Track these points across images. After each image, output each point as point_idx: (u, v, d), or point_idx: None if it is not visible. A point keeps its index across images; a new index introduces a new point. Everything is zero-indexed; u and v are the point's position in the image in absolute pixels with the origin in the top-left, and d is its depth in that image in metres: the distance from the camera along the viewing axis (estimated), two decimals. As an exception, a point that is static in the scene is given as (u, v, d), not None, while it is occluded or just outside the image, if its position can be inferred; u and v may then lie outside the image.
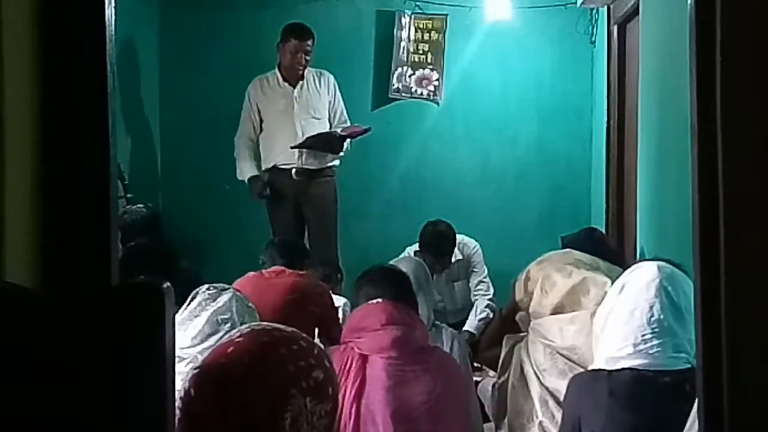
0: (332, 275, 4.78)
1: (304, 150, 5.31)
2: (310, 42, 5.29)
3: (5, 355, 1.15)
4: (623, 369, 2.34)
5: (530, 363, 2.94)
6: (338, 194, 5.53)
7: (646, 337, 2.33)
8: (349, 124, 5.55)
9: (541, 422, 2.84)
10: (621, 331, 2.37)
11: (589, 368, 2.51)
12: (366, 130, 5.46)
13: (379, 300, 2.68)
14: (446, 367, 2.66)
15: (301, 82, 5.37)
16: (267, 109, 5.38)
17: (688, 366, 2.32)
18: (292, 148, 5.28)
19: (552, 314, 2.94)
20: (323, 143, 5.32)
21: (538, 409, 2.86)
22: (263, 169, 5.45)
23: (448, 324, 3.73)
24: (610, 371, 2.36)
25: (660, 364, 2.32)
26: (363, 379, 2.52)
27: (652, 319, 2.33)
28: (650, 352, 2.32)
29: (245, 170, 5.36)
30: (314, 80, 5.43)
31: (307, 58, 5.32)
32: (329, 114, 5.48)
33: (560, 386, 2.75)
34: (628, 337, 2.35)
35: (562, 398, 2.62)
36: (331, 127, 5.48)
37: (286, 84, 5.37)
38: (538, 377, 2.89)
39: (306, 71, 5.38)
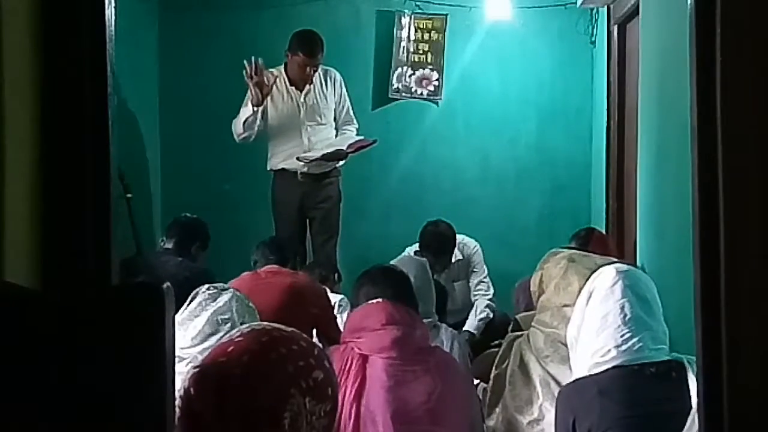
0: (329, 276, 4.78)
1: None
2: (319, 56, 5.26)
3: (5, 355, 1.15)
4: (609, 369, 2.39)
5: (531, 351, 2.97)
6: (342, 194, 5.52)
7: (626, 336, 2.39)
8: (354, 121, 5.54)
9: (542, 404, 2.86)
10: (599, 338, 2.43)
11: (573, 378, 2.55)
12: (372, 143, 5.44)
13: (379, 300, 2.68)
14: (447, 367, 2.65)
15: (308, 87, 5.33)
16: (273, 110, 5.35)
17: (669, 357, 2.40)
18: (298, 159, 5.26)
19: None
20: (330, 157, 5.32)
21: (539, 391, 2.88)
22: (269, 169, 5.44)
23: (448, 324, 3.73)
24: (596, 374, 2.41)
25: (643, 357, 2.38)
26: (363, 380, 2.52)
27: (626, 318, 2.40)
28: (634, 348, 2.38)
29: (247, 109, 5.19)
30: (321, 82, 5.39)
31: (316, 69, 5.30)
32: (335, 114, 5.47)
33: (562, 372, 2.77)
34: (608, 342, 2.40)
35: (563, 383, 2.64)
36: (336, 125, 5.47)
37: (293, 88, 5.34)
38: (539, 363, 2.92)
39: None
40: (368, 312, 2.65)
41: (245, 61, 5.12)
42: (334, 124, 5.46)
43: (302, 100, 5.33)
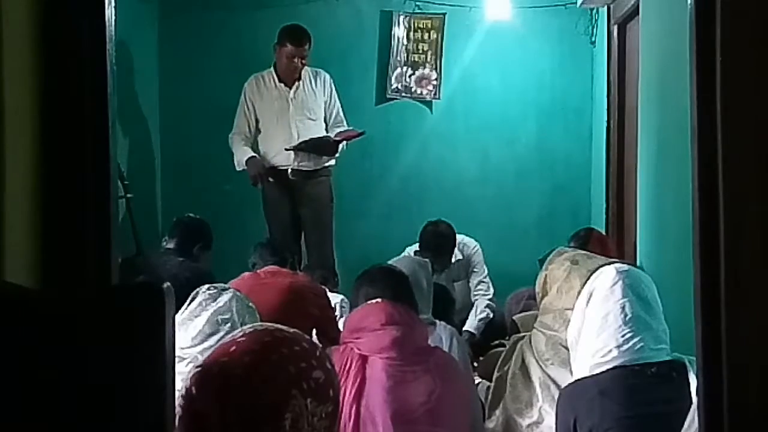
0: (329, 278, 4.78)
1: (300, 152, 5.32)
2: (306, 46, 5.29)
3: (5, 355, 1.15)
4: (610, 369, 2.39)
5: (532, 353, 2.96)
6: (333, 194, 5.53)
7: (627, 336, 2.39)
8: (345, 123, 5.55)
9: (541, 407, 2.86)
10: (599, 338, 2.43)
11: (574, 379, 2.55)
12: (360, 134, 5.47)
13: (379, 300, 2.68)
14: (447, 367, 2.64)
15: (297, 83, 5.37)
16: (263, 109, 5.38)
17: (670, 358, 2.40)
18: (287, 149, 5.29)
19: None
20: (318, 147, 5.33)
21: (539, 393, 2.88)
22: None
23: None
24: (597, 374, 2.41)
25: (644, 357, 2.38)
26: (363, 380, 2.52)
27: (627, 318, 2.40)
28: (635, 348, 2.38)
29: (242, 156, 5.31)
30: (310, 80, 5.43)
31: (304, 61, 5.33)
32: (325, 114, 5.48)
33: (562, 375, 2.77)
34: (608, 342, 2.40)
35: (563, 386, 2.64)
36: (327, 127, 5.49)
37: (282, 85, 5.37)
38: (540, 365, 2.91)
39: (302, 71, 5.38)
40: (368, 312, 2.65)
41: (256, 175, 5.29)
42: (324, 125, 5.47)
43: (291, 95, 5.36)
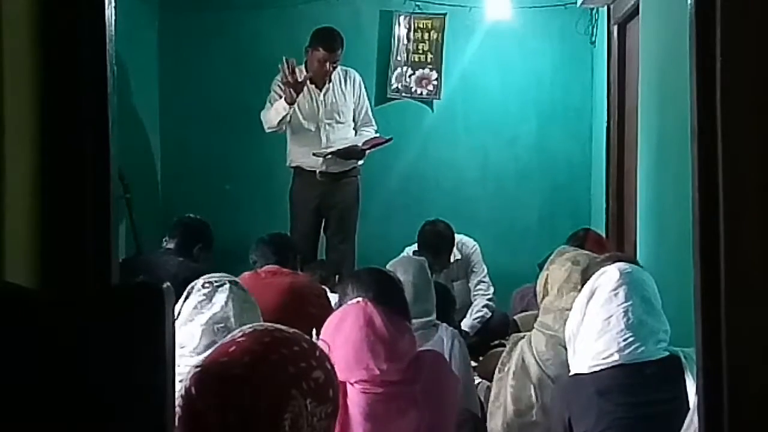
0: (329, 277, 4.78)
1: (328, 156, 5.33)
2: (339, 51, 5.30)
3: (5, 355, 1.15)
4: (607, 368, 2.39)
5: (532, 353, 2.97)
6: (361, 194, 5.53)
7: (629, 340, 2.39)
8: (373, 122, 5.58)
9: (541, 407, 2.86)
10: (600, 341, 2.42)
11: (571, 374, 2.54)
12: (387, 141, 5.47)
13: (359, 299, 2.41)
14: (435, 388, 2.37)
15: (327, 86, 5.38)
16: (294, 107, 5.38)
17: (667, 353, 2.40)
18: (314, 155, 5.29)
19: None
20: (345, 155, 5.34)
21: (539, 394, 2.88)
22: (288, 165, 5.47)
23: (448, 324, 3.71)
24: (594, 372, 2.41)
25: (644, 357, 2.38)
26: (345, 414, 2.25)
27: (630, 322, 2.40)
28: (637, 352, 2.39)
29: (280, 104, 5.24)
30: (340, 82, 5.44)
31: (335, 65, 5.34)
32: (354, 114, 5.50)
33: (562, 375, 2.76)
34: (610, 345, 2.40)
35: (560, 380, 2.65)
36: (355, 126, 5.50)
37: (313, 86, 5.38)
38: (540, 365, 2.91)
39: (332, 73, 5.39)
40: (345, 313, 2.38)
41: (283, 61, 5.16)
42: (352, 124, 5.49)
43: (321, 98, 5.37)
